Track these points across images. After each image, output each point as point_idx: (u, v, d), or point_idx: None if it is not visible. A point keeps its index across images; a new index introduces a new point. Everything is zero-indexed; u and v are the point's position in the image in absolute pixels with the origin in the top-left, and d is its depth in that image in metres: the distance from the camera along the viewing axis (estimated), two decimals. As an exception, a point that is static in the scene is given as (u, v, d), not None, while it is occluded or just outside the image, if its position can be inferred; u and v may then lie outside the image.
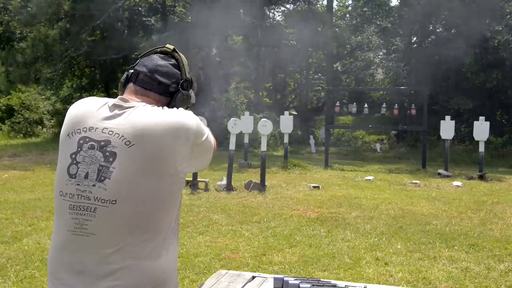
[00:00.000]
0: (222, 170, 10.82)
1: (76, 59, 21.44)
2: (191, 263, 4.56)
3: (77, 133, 1.46)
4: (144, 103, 1.49)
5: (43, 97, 24.32)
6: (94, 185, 1.39)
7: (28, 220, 6.10)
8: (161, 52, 1.59)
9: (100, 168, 1.40)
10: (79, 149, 1.44)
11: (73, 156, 1.44)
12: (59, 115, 22.79)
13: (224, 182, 8.81)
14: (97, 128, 1.44)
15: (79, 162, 1.42)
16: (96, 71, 25.26)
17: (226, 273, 2.20)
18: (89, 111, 1.49)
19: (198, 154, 1.53)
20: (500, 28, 19.17)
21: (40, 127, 22.56)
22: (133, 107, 1.47)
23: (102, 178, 1.39)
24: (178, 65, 1.59)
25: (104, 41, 21.20)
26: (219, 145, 16.26)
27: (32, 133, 21.87)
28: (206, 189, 8.59)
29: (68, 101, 24.44)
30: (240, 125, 9.69)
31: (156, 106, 1.50)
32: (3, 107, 23.00)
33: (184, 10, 27.21)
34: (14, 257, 4.67)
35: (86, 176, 1.40)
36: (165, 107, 1.50)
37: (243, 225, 6.06)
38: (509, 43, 18.86)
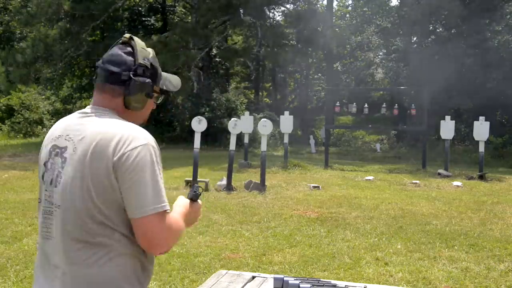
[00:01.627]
0: (222, 170, 10.82)
1: (76, 59, 21.45)
2: (191, 263, 4.56)
3: (50, 142, 1.51)
4: (103, 111, 1.48)
5: (43, 97, 24.34)
6: (52, 191, 1.46)
7: (28, 220, 6.10)
8: (121, 43, 1.55)
9: (57, 173, 1.45)
10: (49, 157, 1.50)
11: (46, 163, 1.51)
12: (59, 115, 22.80)
13: (224, 182, 8.81)
14: (62, 135, 1.48)
15: (49, 169, 1.49)
16: (96, 71, 25.27)
17: (226, 273, 2.20)
18: (63, 121, 1.55)
19: (124, 185, 1.37)
20: (500, 28, 19.17)
21: (40, 127, 22.56)
22: (93, 114, 1.48)
23: (57, 183, 1.45)
24: (132, 52, 1.51)
25: (104, 41, 21.21)
26: (219, 145, 16.08)
27: (32, 133, 21.87)
28: (206, 189, 8.59)
29: (68, 101, 24.50)
30: (240, 125, 9.68)
31: (112, 114, 1.47)
32: (3, 107, 23.00)
33: (184, 10, 27.21)
34: (14, 257, 4.67)
35: (51, 182, 1.47)
36: (117, 119, 1.45)
37: (243, 225, 6.06)
38: (509, 43, 18.86)
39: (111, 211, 1.39)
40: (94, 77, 1.56)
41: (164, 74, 1.62)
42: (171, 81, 1.63)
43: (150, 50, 1.57)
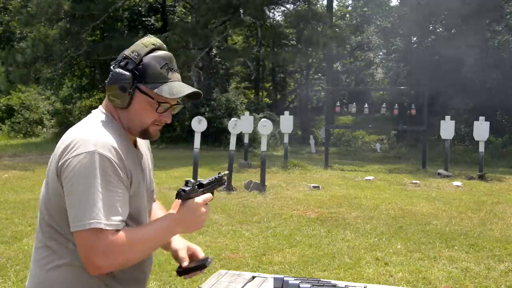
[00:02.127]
0: (222, 170, 10.80)
1: (76, 59, 21.44)
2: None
3: None
4: (94, 112, 1.46)
5: (43, 97, 24.34)
6: None
7: (28, 220, 6.10)
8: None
9: None
10: None
11: None
12: (59, 115, 22.81)
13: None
14: None
15: None
16: (96, 71, 25.26)
17: (226, 273, 2.19)
18: None
19: (65, 195, 1.28)
20: (500, 28, 19.17)
21: (40, 127, 22.56)
22: (91, 113, 1.47)
23: None
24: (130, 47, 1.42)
25: (104, 41, 21.21)
26: (219, 145, 16.05)
27: (32, 133, 21.87)
28: (206, 189, 8.58)
29: (68, 101, 24.48)
30: (240, 125, 9.68)
31: (106, 116, 1.41)
32: (3, 107, 23.00)
33: (184, 10, 27.21)
34: (14, 257, 4.67)
35: None
36: (94, 122, 1.38)
37: (243, 225, 6.06)
38: (509, 43, 18.86)
39: (62, 218, 1.32)
40: None
41: (176, 83, 1.41)
42: (171, 88, 1.38)
43: (160, 51, 1.41)
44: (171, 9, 27.28)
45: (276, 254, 4.89)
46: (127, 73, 1.36)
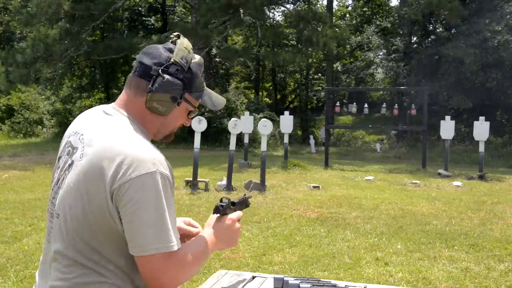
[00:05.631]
0: (222, 170, 10.82)
1: (76, 59, 21.45)
2: (191, 263, 4.56)
3: (67, 136, 1.39)
4: (122, 114, 1.33)
5: (43, 97, 24.36)
6: (57, 193, 1.33)
7: (28, 220, 6.10)
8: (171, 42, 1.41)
9: (64, 176, 1.32)
10: (62, 153, 1.38)
11: (59, 159, 1.39)
12: (59, 115, 22.82)
13: (224, 182, 8.82)
14: (78, 132, 1.35)
15: (59, 167, 1.37)
16: (96, 71, 25.29)
17: (226, 273, 2.19)
18: (86, 115, 1.42)
19: (123, 215, 1.21)
20: (500, 28, 19.17)
21: (40, 127, 22.57)
22: (111, 115, 1.33)
23: (60, 188, 1.32)
24: (172, 49, 1.35)
25: (104, 41, 21.22)
26: (219, 145, 16.10)
27: (32, 133, 21.88)
28: (206, 189, 8.59)
29: (68, 101, 24.50)
30: (240, 125, 9.68)
31: (131, 120, 1.32)
32: (3, 107, 23.02)
33: (184, 10, 27.20)
34: (14, 257, 4.66)
35: (57, 182, 1.35)
36: (130, 130, 1.29)
37: (243, 225, 6.06)
38: (509, 43, 18.86)
39: (106, 239, 1.25)
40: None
41: (208, 90, 1.44)
42: (211, 98, 1.41)
43: (197, 56, 1.40)
44: (171, 9, 27.30)
45: (276, 254, 4.89)
46: (179, 82, 1.33)
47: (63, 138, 1.43)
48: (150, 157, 1.23)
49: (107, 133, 1.27)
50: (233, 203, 1.49)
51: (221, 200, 1.44)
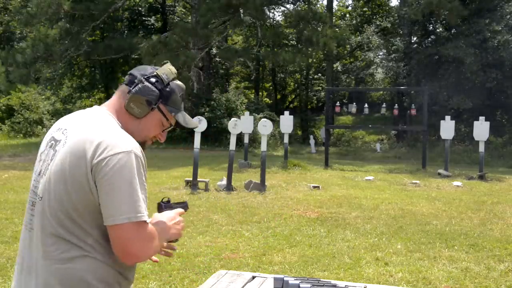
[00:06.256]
0: (222, 170, 10.82)
1: (76, 59, 21.45)
2: (191, 263, 4.56)
3: (50, 134, 1.54)
4: (99, 110, 1.52)
5: (43, 97, 24.35)
6: (38, 181, 1.47)
7: (28, 220, 6.10)
8: None
9: (46, 165, 1.46)
10: (45, 148, 1.52)
11: (41, 154, 1.53)
12: (59, 115, 22.77)
13: (224, 182, 8.82)
14: (61, 128, 1.51)
15: (41, 160, 1.51)
16: (96, 71, 25.29)
17: (226, 273, 2.19)
18: (69, 115, 1.57)
19: (100, 190, 1.35)
20: (500, 28, 19.17)
21: (40, 127, 22.55)
22: (90, 111, 1.52)
23: (43, 175, 1.45)
24: (158, 68, 1.59)
25: (104, 41, 21.21)
26: (219, 145, 16.03)
27: (32, 133, 21.86)
28: (206, 189, 8.59)
29: (68, 101, 24.50)
30: (240, 125, 9.68)
31: (111, 117, 1.49)
32: (3, 107, 23.00)
33: (184, 10, 27.20)
34: (14, 257, 4.66)
35: (39, 173, 1.48)
36: (110, 123, 1.46)
37: (243, 225, 6.06)
38: (509, 43, 18.86)
39: (86, 212, 1.38)
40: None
41: (184, 113, 1.62)
42: (185, 117, 1.61)
43: (180, 82, 1.60)
44: (171, 9, 27.30)
45: (276, 254, 4.89)
46: (156, 90, 1.52)
47: (45, 137, 1.59)
48: (126, 140, 1.41)
49: (88, 124, 1.45)
50: (173, 203, 1.67)
51: (162, 199, 1.63)
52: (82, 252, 1.39)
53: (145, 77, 1.52)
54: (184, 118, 1.60)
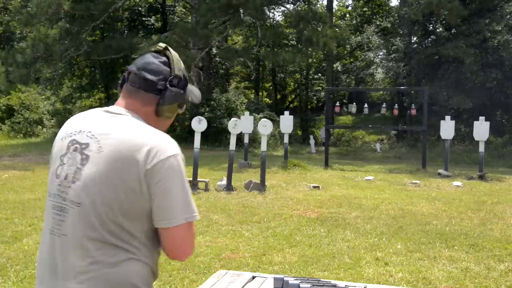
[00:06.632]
0: (222, 170, 10.82)
1: (76, 59, 21.44)
2: (191, 263, 4.56)
3: (69, 136, 1.49)
4: (130, 114, 1.50)
5: (43, 97, 24.35)
6: (69, 187, 1.43)
7: (28, 220, 6.10)
8: (154, 51, 1.59)
9: (76, 170, 1.42)
10: (67, 151, 1.47)
11: (62, 158, 1.48)
12: (59, 115, 22.81)
13: (224, 182, 8.82)
14: (83, 131, 1.47)
15: (65, 164, 1.46)
16: (96, 71, 25.28)
17: (226, 273, 2.20)
18: (84, 116, 1.54)
19: (154, 194, 1.40)
20: (500, 28, 19.17)
21: (40, 127, 22.56)
22: (119, 114, 1.49)
23: (75, 180, 1.42)
24: (168, 63, 1.55)
25: (104, 41, 21.20)
26: (219, 145, 16.05)
27: (32, 133, 21.87)
28: (206, 189, 8.59)
29: (68, 101, 24.49)
30: (240, 125, 9.68)
31: (140, 120, 1.49)
32: (3, 107, 23.00)
33: (184, 10, 27.20)
34: (14, 257, 4.66)
35: (66, 177, 1.44)
36: (147, 126, 1.48)
37: (243, 225, 6.06)
38: (509, 43, 18.86)
39: (135, 217, 1.40)
40: (120, 81, 1.58)
41: (190, 86, 1.64)
42: (194, 93, 1.64)
43: (181, 62, 1.61)
44: (171, 9, 27.29)
45: (276, 254, 4.89)
46: (182, 90, 1.56)
47: (57, 140, 1.54)
48: (171, 143, 1.46)
49: (125, 128, 1.44)
50: None
51: None
52: (129, 255, 1.41)
53: (167, 83, 1.52)
54: (195, 96, 1.63)
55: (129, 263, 1.41)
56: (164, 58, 1.56)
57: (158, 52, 1.58)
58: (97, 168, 1.40)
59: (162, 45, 1.58)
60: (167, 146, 1.43)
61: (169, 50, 1.58)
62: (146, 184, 1.38)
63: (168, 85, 1.52)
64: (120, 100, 1.54)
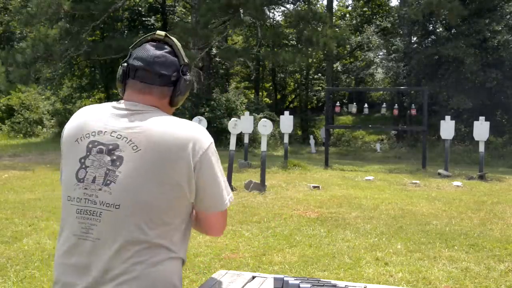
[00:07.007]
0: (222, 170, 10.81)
1: (76, 59, 21.44)
2: (191, 263, 4.56)
3: (86, 137, 1.44)
4: (153, 109, 1.49)
5: (43, 97, 24.35)
6: (100, 189, 1.38)
7: (28, 220, 6.10)
8: (152, 40, 1.53)
9: (107, 172, 1.39)
10: (88, 153, 1.42)
11: (82, 160, 1.42)
12: (59, 115, 22.82)
13: (224, 182, 8.81)
14: (106, 131, 1.43)
15: (88, 166, 1.41)
16: (96, 71, 25.29)
17: (226, 273, 2.19)
18: (96, 115, 1.48)
19: (203, 184, 1.46)
20: (500, 28, 19.17)
21: (40, 127, 22.57)
22: (142, 111, 1.46)
23: (108, 182, 1.38)
24: (174, 52, 1.53)
25: (104, 41, 21.20)
26: (219, 145, 16.03)
27: (32, 133, 21.87)
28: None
29: (68, 101, 24.49)
30: (240, 125, 9.68)
31: (166, 114, 1.50)
32: (3, 107, 23.01)
33: (184, 10, 27.19)
34: (14, 257, 4.66)
35: (93, 180, 1.39)
36: (178, 119, 1.49)
37: (243, 225, 6.06)
38: (509, 43, 18.86)
39: (178, 212, 1.44)
40: (120, 77, 1.53)
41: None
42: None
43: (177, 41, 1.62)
44: (171, 9, 27.30)
45: (276, 254, 4.89)
46: (190, 77, 1.60)
47: (73, 140, 1.47)
48: (205, 132, 1.51)
49: (160, 123, 1.44)
50: None
51: None
52: (170, 254, 1.44)
53: (179, 73, 1.53)
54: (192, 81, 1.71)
55: (169, 262, 1.44)
56: (168, 48, 1.53)
57: (157, 40, 1.53)
58: (136, 167, 1.38)
59: (162, 33, 1.53)
60: (205, 136, 1.48)
61: (169, 37, 1.54)
62: (196, 177, 1.43)
63: (181, 75, 1.54)
64: (133, 96, 1.49)
